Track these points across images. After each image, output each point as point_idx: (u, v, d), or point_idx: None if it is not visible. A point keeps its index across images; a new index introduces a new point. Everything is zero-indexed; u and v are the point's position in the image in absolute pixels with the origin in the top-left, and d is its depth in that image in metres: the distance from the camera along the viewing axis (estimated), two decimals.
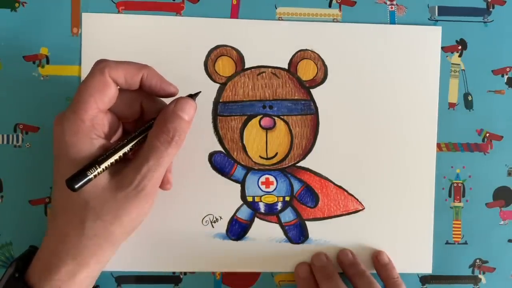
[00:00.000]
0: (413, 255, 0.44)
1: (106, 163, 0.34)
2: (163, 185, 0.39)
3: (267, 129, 0.44)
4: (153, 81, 0.37)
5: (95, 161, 0.34)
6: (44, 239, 0.37)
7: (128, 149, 0.36)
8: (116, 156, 0.35)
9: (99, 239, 0.35)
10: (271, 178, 0.44)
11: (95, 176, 0.34)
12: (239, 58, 0.44)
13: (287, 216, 0.44)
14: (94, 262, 0.36)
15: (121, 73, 0.35)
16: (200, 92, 0.39)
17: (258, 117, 0.44)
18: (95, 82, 0.35)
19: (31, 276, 0.36)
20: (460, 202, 0.45)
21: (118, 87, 0.36)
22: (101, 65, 0.35)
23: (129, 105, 0.38)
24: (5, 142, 0.42)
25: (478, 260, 0.45)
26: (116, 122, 0.38)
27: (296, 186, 0.44)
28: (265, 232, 0.44)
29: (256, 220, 0.44)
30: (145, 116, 0.38)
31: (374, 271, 0.43)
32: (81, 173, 0.34)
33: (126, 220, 0.35)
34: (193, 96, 0.38)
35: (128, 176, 0.35)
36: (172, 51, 0.43)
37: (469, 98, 0.45)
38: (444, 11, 0.45)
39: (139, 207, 0.36)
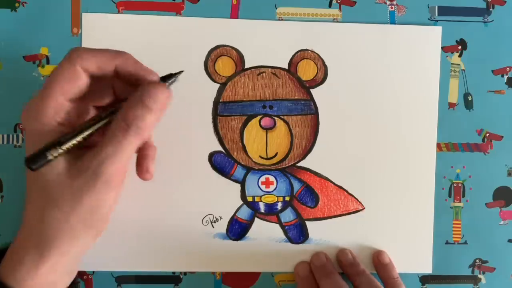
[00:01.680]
0: (413, 255, 0.44)
1: (67, 144, 0.33)
2: (142, 174, 0.37)
3: (267, 129, 0.44)
4: (129, 68, 0.35)
5: (57, 142, 0.33)
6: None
7: (90, 132, 0.34)
8: (78, 138, 0.34)
9: (57, 230, 0.34)
10: (271, 178, 0.44)
11: (54, 156, 0.33)
12: (239, 58, 0.44)
13: (287, 216, 0.44)
14: (56, 254, 0.34)
15: (94, 62, 0.34)
16: (180, 72, 0.35)
17: (258, 117, 0.44)
18: (64, 73, 0.33)
19: (3, 269, 0.35)
20: (460, 202, 0.45)
21: (91, 75, 0.35)
22: (72, 55, 0.34)
23: (100, 90, 0.36)
24: (5, 142, 0.42)
25: (478, 260, 0.45)
26: (86, 108, 0.36)
27: (296, 186, 0.44)
28: (265, 232, 0.44)
29: (256, 220, 0.44)
30: (118, 100, 0.37)
31: (374, 271, 0.43)
32: (40, 152, 0.32)
33: (84, 210, 0.34)
34: (166, 80, 0.34)
35: (85, 162, 0.33)
36: (172, 51, 0.43)
37: (469, 98, 0.45)
38: (444, 11, 0.45)
39: (98, 195, 0.34)
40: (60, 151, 0.33)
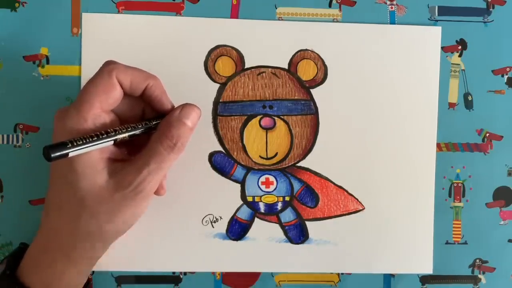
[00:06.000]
0: (413, 255, 0.44)
1: (91, 145, 0.33)
2: (158, 190, 0.39)
3: (267, 129, 0.44)
4: (156, 93, 0.37)
5: (82, 138, 0.33)
6: (36, 236, 0.37)
7: (122, 136, 0.35)
8: (103, 141, 0.34)
9: (92, 238, 0.35)
10: (271, 178, 0.44)
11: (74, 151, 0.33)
12: (239, 58, 0.44)
13: (287, 216, 0.44)
14: (85, 260, 0.36)
15: (128, 78, 0.35)
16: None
17: (258, 117, 0.44)
18: (102, 83, 0.35)
19: (22, 273, 0.36)
20: (460, 202, 0.45)
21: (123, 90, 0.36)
22: (110, 67, 0.35)
23: (131, 109, 0.38)
24: (5, 142, 0.42)
25: (478, 260, 0.45)
26: (117, 123, 0.38)
27: (296, 186, 0.44)
28: (265, 232, 0.44)
29: (256, 220, 0.44)
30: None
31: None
32: (62, 144, 0.32)
33: (121, 220, 0.36)
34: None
35: (127, 177, 0.35)
36: (172, 51, 0.43)
37: (469, 98, 0.45)
38: (444, 11, 0.45)
39: (135, 208, 0.36)
40: (83, 148, 0.33)
